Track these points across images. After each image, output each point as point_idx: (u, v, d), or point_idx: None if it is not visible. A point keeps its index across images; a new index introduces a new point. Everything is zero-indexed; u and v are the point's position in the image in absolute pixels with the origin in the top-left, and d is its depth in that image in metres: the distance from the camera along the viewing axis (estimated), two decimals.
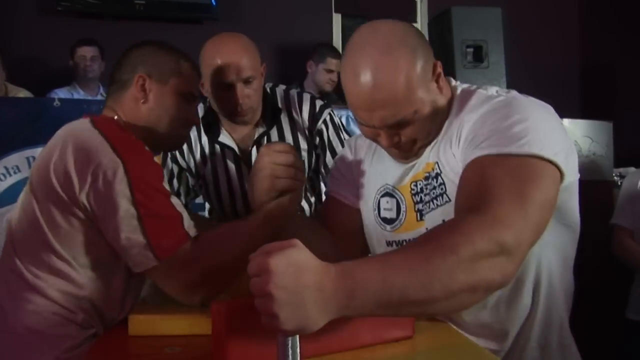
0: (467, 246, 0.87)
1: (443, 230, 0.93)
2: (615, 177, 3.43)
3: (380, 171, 1.30)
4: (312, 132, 1.86)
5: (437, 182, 1.16)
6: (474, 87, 1.20)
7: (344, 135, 1.90)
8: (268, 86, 1.86)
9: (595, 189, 3.16)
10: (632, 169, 3.54)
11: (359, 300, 0.81)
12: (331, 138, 1.87)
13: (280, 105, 1.84)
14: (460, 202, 1.03)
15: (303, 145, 1.86)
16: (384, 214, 1.28)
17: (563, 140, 1.08)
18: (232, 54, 1.67)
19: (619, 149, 3.43)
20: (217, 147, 1.85)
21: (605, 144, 3.37)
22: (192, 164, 1.90)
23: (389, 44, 1.07)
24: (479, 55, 3.45)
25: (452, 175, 1.13)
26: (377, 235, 1.30)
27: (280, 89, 1.88)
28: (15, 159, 2.53)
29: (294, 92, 1.87)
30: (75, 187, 1.18)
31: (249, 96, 1.69)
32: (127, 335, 1.16)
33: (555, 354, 1.19)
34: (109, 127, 1.26)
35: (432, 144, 1.19)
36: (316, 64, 3.94)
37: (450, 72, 3.57)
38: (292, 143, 1.81)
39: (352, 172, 1.36)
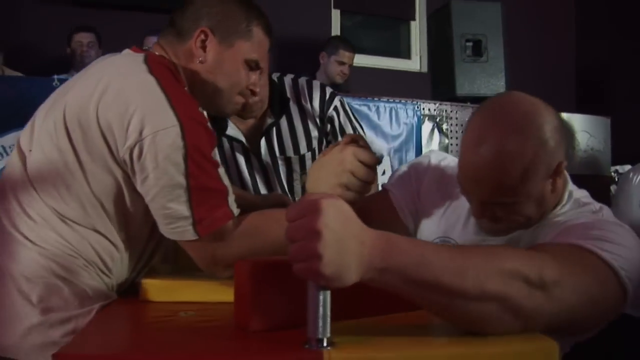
0: (512, 262, 0.86)
1: (497, 246, 0.94)
2: (613, 174, 3.45)
3: (450, 221, 1.24)
4: (323, 120, 1.84)
5: None
6: (584, 197, 1.15)
7: (355, 122, 1.89)
8: (275, 76, 1.84)
9: (592, 183, 3.16)
10: (628, 166, 3.57)
11: (392, 267, 0.79)
12: (343, 124, 1.86)
13: (288, 94, 1.81)
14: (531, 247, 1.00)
15: (314, 133, 1.83)
16: None
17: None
18: None
19: (616, 145, 3.45)
20: (225, 140, 1.82)
21: (603, 139, 3.38)
22: None
23: (523, 126, 1.03)
24: (478, 50, 3.47)
25: None
26: None
27: (289, 77, 1.85)
28: (12, 138, 2.47)
29: (302, 80, 1.84)
30: (119, 140, 1.07)
31: (259, 86, 1.67)
32: (139, 300, 1.13)
33: None
34: (166, 75, 1.11)
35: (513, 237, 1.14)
36: (328, 55, 3.98)
37: (449, 65, 3.60)
38: (302, 131, 1.79)
39: (418, 191, 1.31)
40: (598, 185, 3.25)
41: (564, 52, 4.88)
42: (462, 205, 1.22)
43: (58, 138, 1.11)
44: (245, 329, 0.87)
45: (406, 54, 5.16)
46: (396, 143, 3.34)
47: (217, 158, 1.17)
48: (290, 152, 1.79)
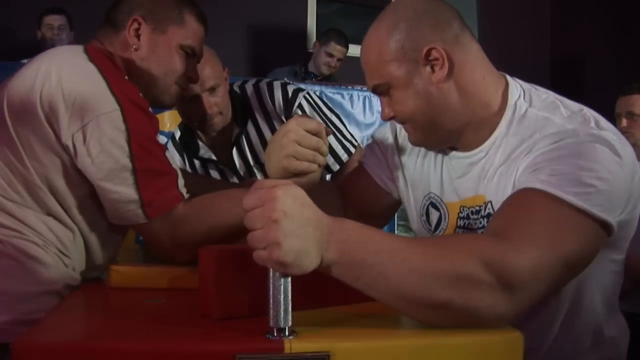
0: (470, 265, 0.81)
1: (456, 240, 0.89)
2: None
3: (424, 175, 1.25)
4: (288, 117, 1.83)
5: (486, 221, 1.11)
6: (532, 96, 1.11)
7: (330, 114, 1.88)
8: (237, 85, 1.85)
9: None
10: None
11: (348, 251, 0.79)
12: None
13: (251, 100, 1.81)
14: (493, 220, 0.97)
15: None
16: (430, 221, 1.24)
17: (630, 195, 0.99)
18: None
19: None
20: (197, 162, 1.83)
21: None
22: None
23: (385, 13, 1.11)
24: None
25: None
26: (423, 236, 1.27)
27: (250, 84, 1.85)
28: None
29: (263, 83, 1.84)
30: (63, 125, 1.08)
31: (217, 104, 1.67)
32: (105, 288, 1.12)
33: None
34: (105, 63, 1.14)
35: (487, 169, 1.10)
36: (320, 45, 3.99)
37: None
38: (270, 134, 1.77)
39: (390, 156, 1.32)
40: None
41: (540, 44, 4.92)
42: (430, 156, 1.24)
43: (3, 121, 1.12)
44: (209, 317, 0.88)
45: None
46: (369, 131, 3.34)
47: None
48: (263, 157, 1.79)
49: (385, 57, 1.08)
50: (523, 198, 0.94)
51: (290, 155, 1.12)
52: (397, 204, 1.36)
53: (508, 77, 1.15)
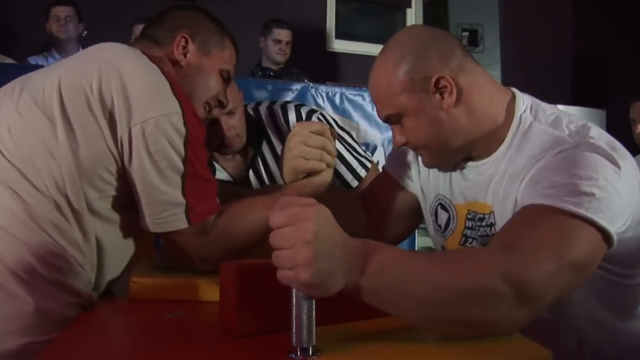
0: (484, 280, 0.83)
1: (472, 255, 0.91)
2: None
3: (434, 178, 1.29)
4: None
5: (490, 230, 1.14)
6: (538, 109, 1.14)
7: (340, 132, 1.86)
8: (250, 107, 1.83)
9: None
10: None
11: (373, 272, 0.79)
12: None
13: (265, 122, 1.81)
14: (501, 235, 0.98)
15: None
16: (439, 222, 1.28)
17: (629, 207, 1.01)
18: None
19: None
20: None
21: None
22: None
23: (389, 46, 1.14)
24: (474, 39, 3.44)
25: None
26: (435, 239, 1.31)
27: (264, 106, 1.84)
28: None
29: (277, 106, 1.83)
30: (120, 118, 1.05)
31: (234, 126, 1.67)
32: (127, 299, 1.11)
33: None
34: (163, 67, 1.14)
35: (490, 178, 1.13)
36: (265, 38, 3.92)
37: None
38: None
39: (408, 159, 1.35)
40: None
41: (562, 43, 4.84)
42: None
43: (45, 105, 1.07)
44: (230, 333, 0.86)
45: None
46: (390, 133, 3.30)
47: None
48: (279, 179, 1.78)
49: (395, 89, 1.11)
50: (527, 214, 0.97)
51: (299, 156, 1.17)
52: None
53: (515, 90, 1.19)
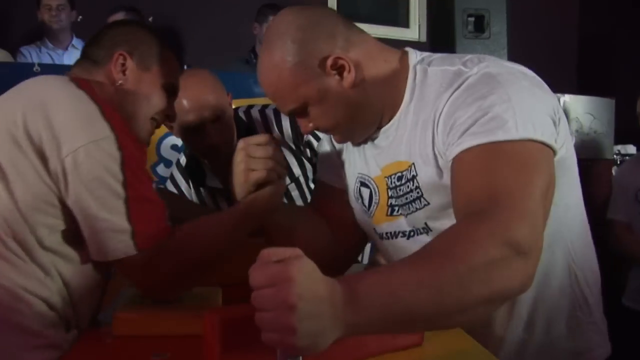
0: (479, 254, 0.80)
1: (451, 238, 0.86)
2: (615, 156, 3.36)
3: (351, 159, 1.26)
4: (299, 145, 1.79)
5: (412, 184, 1.10)
6: (432, 58, 1.13)
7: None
8: (241, 110, 1.79)
9: (595, 167, 3.10)
10: (630, 146, 3.48)
11: (365, 317, 0.74)
12: None
13: (257, 126, 1.76)
14: (460, 204, 0.96)
15: (290, 159, 1.77)
16: (364, 201, 1.23)
17: (550, 110, 1.01)
18: (195, 96, 1.58)
19: (619, 126, 3.35)
20: (204, 190, 1.78)
21: (607, 121, 3.28)
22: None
23: (269, 40, 1.10)
24: (480, 25, 3.34)
25: (429, 179, 1.07)
26: (365, 225, 1.25)
27: (255, 110, 1.80)
28: None
29: (269, 110, 1.79)
30: (51, 152, 1.04)
31: (222, 132, 1.62)
32: (111, 336, 1.07)
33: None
34: (93, 91, 1.12)
35: (401, 136, 1.11)
36: (260, 25, 3.77)
37: (449, 42, 3.46)
38: None
39: (336, 155, 1.30)
40: (600, 168, 3.16)
41: (570, 29, 4.71)
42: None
43: None
44: None
45: (404, 22, 4.99)
46: None
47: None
48: None
49: (292, 82, 1.08)
50: (466, 166, 0.96)
51: (246, 169, 1.13)
52: None
53: (408, 48, 1.17)
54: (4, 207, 1.05)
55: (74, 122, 1.05)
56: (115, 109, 1.13)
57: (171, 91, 1.29)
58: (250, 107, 1.81)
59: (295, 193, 1.79)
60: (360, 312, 0.73)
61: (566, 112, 3.08)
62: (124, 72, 1.21)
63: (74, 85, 1.10)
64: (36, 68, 2.42)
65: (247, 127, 1.74)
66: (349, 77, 1.08)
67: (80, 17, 3.56)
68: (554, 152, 0.99)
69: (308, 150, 1.80)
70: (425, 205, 1.09)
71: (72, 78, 1.14)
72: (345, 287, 0.74)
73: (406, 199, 1.13)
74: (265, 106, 1.80)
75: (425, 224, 1.11)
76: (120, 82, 1.21)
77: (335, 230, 1.28)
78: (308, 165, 1.81)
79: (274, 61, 1.08)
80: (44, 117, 1.04)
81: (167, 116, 1.30)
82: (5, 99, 1.13)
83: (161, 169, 2.39)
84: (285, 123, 1.75)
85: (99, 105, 1.07)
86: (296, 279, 0.68)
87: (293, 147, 1.77)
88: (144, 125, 1.24)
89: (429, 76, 1.09)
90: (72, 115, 1.05)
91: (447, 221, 1.00)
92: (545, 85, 1.06)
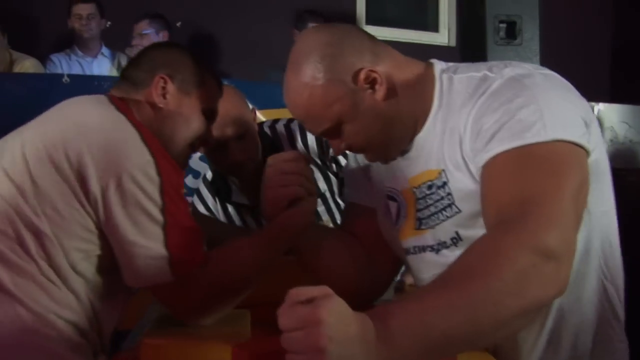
0: (509, 266, 0.79)
1: (478, 253, 0.84)
2: None
3: (380, 175, 1.23)
4: (324, 160, 1.77)
5: (444, 192, 1.08)
6: (457, 67, 1.12)
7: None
8: (267, 125, 1.77)
9: (630, 177, 3.02)
10: None
11: (400, 352, 0.73)
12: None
13: (282, 141, 1.74)
14: (490, 214, 0.95)
15: (316, 174, 1.74)
16: (392, 215, 1.21)
17: (580, 111, 0.99)
18: (220, 113, 1.54)
19: None
20: (231, 207, 1.77)
21: None
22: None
23: (296, 61, 1.08)
24: (512, 32, 3.29)
25: (460, 185, 1.05)
26: (393, 242, 1.22)
27: (281, 124, 1.78)
28: None
29: (295, 124, 1.77)
30: (90, 176, 1.04)
31: (246, 149, 1.60)
32: None
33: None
34: (132, 115, 1.12)
35: (430, 145, 1.09)
36: (299, 31, 3.74)
37: (480, 48, 3.41)
38: None
39: (363, 174, 1.28)
40: (635, 179, 3.08)
41: (603, 36, 4.61)
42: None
43: (15, 174, 1.06)
44: None
45: (434, 27, 4.94)
46: None
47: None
48: None
49: (323, 101, 1.05)
50: (495, 173, 0.95)
51: (277, 186, 1.12)
52: None
53: (434, 60, 1.15)
54: (40, 231, 1.05)
55: (115, 147, 1.05)
56: (154, 133, 1.13)
57: (210, 116, 1.28)
58: (276, 121, 1.80)
59: (321, 208, 1.77)
60: (395, 348, 0.73)
61: (600, 121, 3.01)
62: (164, 95, 1.21)
63: (114, 107, 1.11)
64: (65, 79, 2.42)
65: (271, 142, 1.72)
66: (381, 90, 1.07)
67: (109, 23, 3.60)
68: (587, 153, 0.97)
69: (334, 165, 1.78)
70: (456, 213, 1.07)
71: (111, 99, 1.14)
72: (377, 324, 0.72)
73: (436, 207, 1.10)
74: (290, 120, 1.78)
75: (456, 232, 1.08)
76: (160, 105, 1.20)
77: (370, 251, 1.25)
78: (334, 180, 1.80)
79: (303, 81, 1.06)
80: (84, 141, 1.05)
81: (205, 141, 1.29)
82: (45, 120, 1.14)
83: (189, 180, 2.38)
84: (310, 137, 1.73)
85: (138, 129, 1.07)
86: (326, 321, 0.67)
87: (319, 162, 1.76)
88: (182, 150, 1.24)
89: (455, 83, 1.08)
90: (112, 140, 1.06)
91: (480, 230, 0.97)
92: (575, 90, 1.04)
